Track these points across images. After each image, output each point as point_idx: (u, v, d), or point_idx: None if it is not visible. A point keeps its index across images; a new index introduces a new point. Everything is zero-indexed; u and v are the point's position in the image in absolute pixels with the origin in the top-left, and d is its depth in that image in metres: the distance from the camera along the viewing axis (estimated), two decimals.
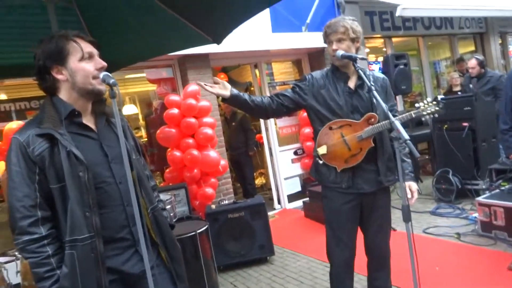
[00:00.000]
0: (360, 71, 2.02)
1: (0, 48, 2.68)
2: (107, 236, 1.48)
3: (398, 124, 1.82)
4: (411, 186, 2.22)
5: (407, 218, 1.88)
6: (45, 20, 2.21)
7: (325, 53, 6.07)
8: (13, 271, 2.83)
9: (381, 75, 2.28)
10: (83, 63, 1.49)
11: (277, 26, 5.76)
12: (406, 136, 1.76)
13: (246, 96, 2.21)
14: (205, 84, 2.13)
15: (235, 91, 2.18)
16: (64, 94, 1.51)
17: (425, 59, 8.45)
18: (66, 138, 1.43)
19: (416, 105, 2.18)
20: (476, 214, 3.92)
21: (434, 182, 5.14)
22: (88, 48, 1.50)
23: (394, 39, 7.82)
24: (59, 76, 1.49)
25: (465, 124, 4.89)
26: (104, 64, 1.52)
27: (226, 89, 2.15)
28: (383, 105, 1.92)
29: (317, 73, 2.31)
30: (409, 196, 2.17)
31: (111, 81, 1.38)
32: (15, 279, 2.82)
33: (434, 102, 2.09)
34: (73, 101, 1.51)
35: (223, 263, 3.90)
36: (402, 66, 5.52)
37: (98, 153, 1.53)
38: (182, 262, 1.74)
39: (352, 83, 2.23)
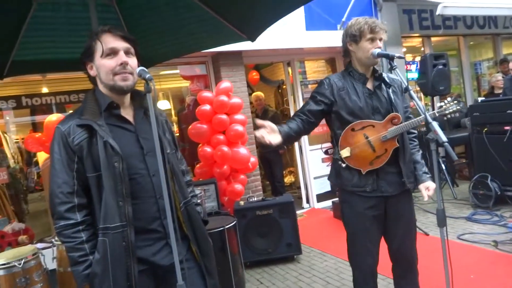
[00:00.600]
0: (397, 70, 1.95)
1: (46, 43, 2.80)
2: (139, 226, 1.53)
3: (436, 125, 1.75)
4: (429, 186, 2.20)
5: (442, 223, 1.81)
6: (87, 17, 2.29)
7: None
8: (49, 257, 2.95)
9: (397, 77, 2.21)
10: (105, 59, 1.53)
11: (311, 24, 5.71)
12: (444, 138, 1.70)
13: (287, 129, 2.14)
14: (261, 136, 2.03)
15: (282, 129, 2.10)
16: (100, 86, 1.60)
17: (465, 59, 8.12)
18: (104, 129, 1.50)
19: (438, 104, 2.21)
20: None
21: (471, 187, 4.94)
22: (111, 43, 1.53)
23: (433, 39, 7.56)
24: (91, 72, 1.59)
25: (507, 127, 4.66)
26: (125, 59, 1.53)
27: (275, 132, 2.05)
28: (421, 106, 1.85)
29: (333, 76, 2.25)
30: (429, 193, 2.18)
31: (147, 76, 1.40)
32: (51, 264, 2.94)
33: (455, 102, 2.10)
34: (108, 94, 1.58)
35: (250, 260, 3.92)
36: (440, 66, 5.34)
37: (134, 145, 1.57)
38: (213, 257, 1.76)
39: (370, 85, 2.19)
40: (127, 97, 1.64)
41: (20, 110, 4.98)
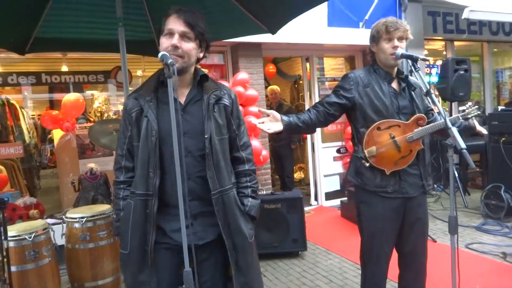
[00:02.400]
0: (420, 72, 1.92)
1: (69, 22, 2.82)
2: (166, 200, 1.63)
3: (455, 131, 1.72)
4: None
5: (453, 230, 1.79)
6: None
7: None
8: (58, 233, 3.01)
9: (416, 81, 2.18)
10: (163, 38, 1.61)
11: (333, 20, 5.63)
12: (462, 144, 1.67)
13: (295, 118, 2.12)
14: (259, 123, 2.07)
15: (285, 118, 2.09)
16: None
17: (487, 66, 7.95)
18: (150, 105, 1.62)
19: (460, 108, 2.18)
20: None
21: (483, 196, 4.87)
22: (171, 25, 1.59)
23: (456, 43, 7.41)
24: (159, 48, 1.63)
25: None
26: (175, 42, 1.57)
27: (277, 120, 2.06)
28: (442, 110, 1.82)
29: (359, 71, 2.22)
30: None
31: (169, 61, 1.41)
32: (60, 240, 3.00)
33: (476, 106, 2.11)
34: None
35: None
36: (462, 72, 5.24)
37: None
38: (249, 253, 1.72)
39: (395, 85, 2.17)
40: (186, 77, 1.67)
41: (39, 86, 5.05)
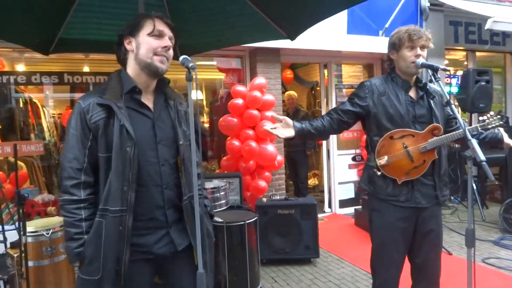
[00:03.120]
0: (440, 82, 1.90)
1: (92, 24, 2.89)
2: (140, 213, 1.52)
3: (475, 143, 1.69)
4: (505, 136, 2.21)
5: (470, 243, 1.75)
6: (134, 2, 2.34)
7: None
8: None
9: (438, 88, 2.14)
10: (151, 38, 1.56)
11: (353, 27, 5.61)
12: (482, 156, 1.64)
13: (307, 125, 2.14)
14: (271, 128, 2.11)
15: (298, 124, 2.12)
16: (129, 66, 1.60)
17: (510, 78, 7.78)
18: (123, 112, 1.50)
19: (481, 118, 2.13)
20: None
21: (502, 210, 4.75)
22: (161, 27, 1.57)
23: (478, 53, 7.28)
24: (128, 46, 1.59)
25: None
26: (169, 44, 1.57)
27: (290, 126, 2.10)
28: (461, 121, 1.80)
29: (375, 80, 2.21)
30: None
31: (190, 64, 1.42)
32: None
33: (498, 116, 2.06)
34: (136, 75, 1.59)
35: (267, 257, 3.92)
36: (483, 83, 5.15)
37: (148, 132, 1.57)
38: (212, 254, 1.75)
39: (413, 93, 2.15)
40: (153, 83, 1.64)
41: (61, 86, 5.15)
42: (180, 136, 1.62)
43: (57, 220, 2.90)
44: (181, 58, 1.50)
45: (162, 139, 1.58)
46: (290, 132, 2.09)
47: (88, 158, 1.50)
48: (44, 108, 5.49)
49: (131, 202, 1.47)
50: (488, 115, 2.07)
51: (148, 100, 1.62)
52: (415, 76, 2.16)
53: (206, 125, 6.59)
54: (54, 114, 6.42)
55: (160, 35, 1.56)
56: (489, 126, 2.07)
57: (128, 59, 1.60)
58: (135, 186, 1.49)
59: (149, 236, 1.55)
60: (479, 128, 2.07)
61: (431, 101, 2.13)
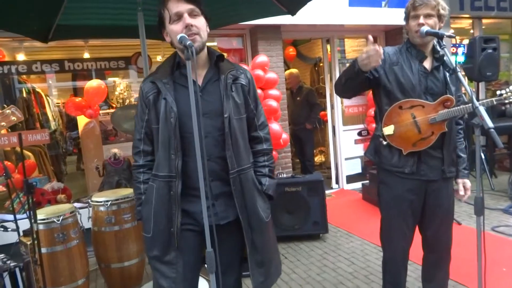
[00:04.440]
0: (445, 50, 1.85)
1: (90, 9, 2.85)
2: (188, 182, 1.62)
3: (482, 110, 1.66)
4: (466, 183, 2.17)
5: (479, 211, 1.74)
6: None
7: (403, 31, 5.70)
8: (85, 217, 3.10)
9: (452, 60, 2.08)
10: (172, 25, 1.58)
11: (355, 0, 5.49)
12: (490, 123, 1.61)
13: None
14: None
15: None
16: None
17: None
18: (168, 87, 1.61)
19: (498, 92, 2.04)
20: None
21: (511, 179, 4.72)
22: (175, 8, 1.56)
23: (484, 21, 7.10)
24: (167, 38, 1.66)
25: None
26: (188, 22, 1.55)
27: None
28: (469, 89, 1.76)
29: (389, 49, 2.14)
30: (461, 193, 2.17)
31: (188, 42, 1.40)
32: (87, 224, 3.09)
33: None
34: (182, 56, 1.63)
35: (276, 234, 3.89)
36: (490, 51, 5.03)
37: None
38: (264, 233, 1.73)
39: (427, 64, 2.08)
40: (201, 57, 1.65)
41: (62, 74, 5.15)
42: (227, 109, 1.62)
43: (67, 207, 2.93)
44: (178, 36, 1.48)
45: (206, 112, 1.61)
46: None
47: (145, 130, 1.69)
48: (48, 97, 5.50)
49: (178, 169, 1.59)
50: (508, 89, 1.97)
51: (198, 75, 1.65)
52: (431, 47, 2.08)
53: None
54: (59, 103, 6.44)
55: (178, 17, 1.56)
56: (506, 101, 1.96)
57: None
58: (181, 155, 1.59)
59: (198, 204, 1.58)
60: (494, 102, 1.97)
61: (447, 74, 2.06)
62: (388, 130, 2.07)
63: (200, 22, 1.59)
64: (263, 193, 1.76)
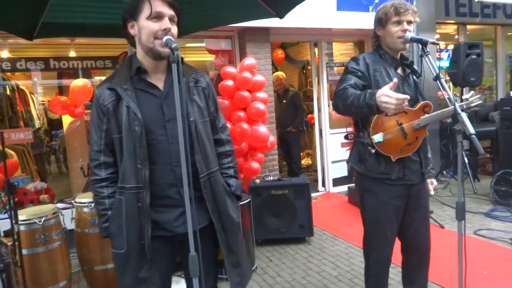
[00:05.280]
0: (429, 56, 1.87)
1: (77, 7, 2.81)
2: (156, 191, 1.57)
3: (464, 116, 1.69)
4: (433, 182, 2.29)
5: (461, 216, 1.77)
6: None
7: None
8: (68, 218, 3.06)
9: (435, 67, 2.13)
10: (150, 21, 1.53)
11: (342, 4, 5.53)
12: (471, 130, 1.64)
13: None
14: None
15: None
16: (137, 49, 1.63)
17: (501, 50, 7.77)
18: (129, 94, 1.55)
19: (464, 97, 2.15)
20: None
21: (493, 183, 4.82)
22: (159, 8, 1.53)
23: (469, 27, 7.24)
24: (131, 31, 1.60)
25: None
26: (169, 26, 1.54)
27: None
28: (451, 95, 1.79)
29: (367, 55, 2.14)
30: (432, 192, 2.27)
31: (173, 45, 1.40)
32: (70, 225, 3.05)
33: (478, 96, 2.07)
34: (142, 58, 1.61)
35: (262, 237, 3.96)
36: (474, 56, 5.13)
37: (157, 111, 1.58)
38: (236, 233, 1.74)
39: (400, 71, 2.14)
40: (163, 63, 1.63)
41: (48, 72, 5.06)
42: (192, 113, 1.60)
43: (50, 207, 2.89)
44: (164, 38, 1.47)
45: (171, 117, 1.56)
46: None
47: (104, 140, 1.59)
48: (32, 95, 5.40)
49: (146, 179, 1.53)
50: (471, 93, 2.09)
51: (158, 79, 1.63)
52: (400, 54, 2.14)
53: None
54: (44, 101, 6.33)
55: (159, 17, 1.53)
56: (472, 104, 2.07)
57: (135, 41, 1.62)
58: (148, 163, 1.54)
59: (167, 214, 1.59)
60: (464, 106, 2.06)
61: (416, 79, 2.15)
62: (378, 137, 2.05)
63: (175, 30, 1.59)
64: (232, 194, 1.77)
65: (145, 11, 1.53)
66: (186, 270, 1.68)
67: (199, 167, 1.61)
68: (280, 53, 7.56)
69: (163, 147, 1.57)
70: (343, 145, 6.15)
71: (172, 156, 1.56)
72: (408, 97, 1.75)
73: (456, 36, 7.32)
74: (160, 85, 1.62)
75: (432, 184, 2.28)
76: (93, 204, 2.94)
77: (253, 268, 3.45)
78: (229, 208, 1.71)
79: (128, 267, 1.57)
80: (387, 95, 1.69)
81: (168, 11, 1.55)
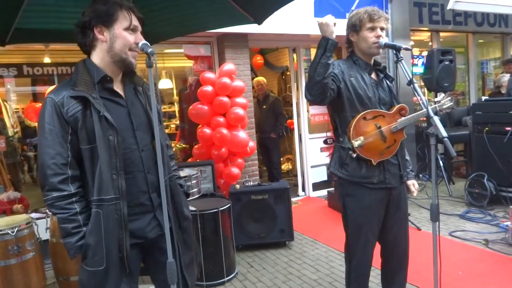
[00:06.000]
0: (403, 62, 1.92)
1: (50, 12, 2.76)
2: (129, 200, 1.55)
3: (437, 120, 1.74)
4: (414, 184, 2.33)
5: (435, 217, 1.82)
6: None
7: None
8: (43, 227, 2.97)
9: (390, 73, 2.24)
10: (127, 33, 1.55)
11: (320, 10, 5.61)
12: (444, 133, 1.69)
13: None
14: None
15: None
16: (97, 55, 1.57)
17: (472, 57, 8.04)
18: (99, 102, 1.49)
19: (435, 99, 2.24)
20: (508, 223, 3.75)
21: (467, 185, 4.95)
22: (135, 22, 1.57)
23: (442, 34, 7.46)
24: (100, 36, 1.55)
25: (508, 128, 4.64)
26: (143, 41, 1.57)
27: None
28: (424, 99, 1.84)
29: (340, 61, 2.19)
30: (414, 194, 2.34)
31: (149, 50, 1.41)
32: (45, 235, 2.96)
33: (449, 98, 2.17)
34: (105, 65, 1.57)
35: (242, 243, 3.94)
36: (447, 62, 5.29)
37: (125, 120, 1.58)
38: (190, 231, 1.79)
39: (374, 76, 2.19)
40: (121, 72, 1.65)
41: (21, 79, 4.94)
42: (154, 119, 1.60)
43: (23, 217, 2.80)
44: (140, 43, 1.48)
45: (139, 125, 1.60)
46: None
47: (71, 152, 1.48)
48: (5, 103, 5.25)
49: (122, 189, 1.50)
50: (441, 96, 2.19)
51: (118, 88, 1.62)
52: (373, 59, 2.19)
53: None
54: (18, 108, 6.17)
55: (134, 30, 1.57)
56: (444, 106, 2.17)
57: (97, 47, 1.57)
58: (123, 173, 1.52)
59: (139, 221, 1.59)
60: (437, 108, 2.16)
61: (389, 84, 2.22)
62: (358, 142, 2.08)
63: None
64: (184, 193, 1.84)
65: (123, 22, 1.54)
66: (154, 274, 1.73)
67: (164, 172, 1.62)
68: (259, 59, 7.61)
69: (135, 155, 1.58)
70: (322, 149, 6.21)
71: (144, 164, 1.58)
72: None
73: (430, 43, 7.54)
74: (121, 93, 1.62)
75: (414, 185, 2.32)
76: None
77: (234, 274, 3.43)
78: (184, 208, 1.75)
79: (107, 285, 1.50)
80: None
81: (140, 26, 1.60)
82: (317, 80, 1.95)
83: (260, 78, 6.38)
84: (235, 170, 4.64)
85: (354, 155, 2.10)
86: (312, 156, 6.11)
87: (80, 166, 1.51)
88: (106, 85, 1.56)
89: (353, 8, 6.01)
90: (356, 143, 2.08)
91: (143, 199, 1.60)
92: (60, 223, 1.49)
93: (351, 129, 2.10)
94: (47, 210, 3.10)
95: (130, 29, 1.55)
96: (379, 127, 2.10)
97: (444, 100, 2.17)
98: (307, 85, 2.04)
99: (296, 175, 6.35)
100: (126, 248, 1.51)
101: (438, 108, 2.16)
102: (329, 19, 1.95)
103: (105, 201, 1.48)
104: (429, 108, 1.84)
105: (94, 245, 1.47)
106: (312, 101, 2.11)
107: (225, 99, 4.50)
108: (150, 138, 1.63)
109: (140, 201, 1.58)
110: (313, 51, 6.48)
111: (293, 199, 5.11)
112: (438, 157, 5.68)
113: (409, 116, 2.11)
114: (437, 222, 1.83)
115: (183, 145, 5.85)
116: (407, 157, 2.32)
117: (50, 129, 1.46)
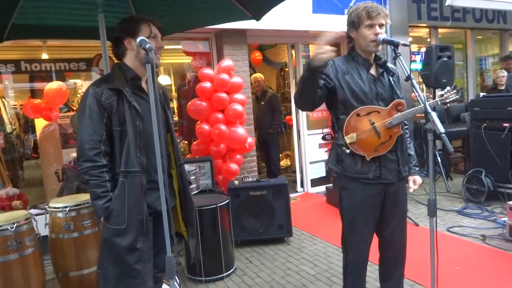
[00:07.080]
0: (401, 58, 1.92)
1: (48, 8, 2.76)
2: (147, 176, 1.91)
3: (434, 115, 1.75)
4: (416, 179, 2.30)
5: (432, 213, 1.83)
6: None
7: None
8: (42, 223, 2.98)
9: (395, 68, 2.23)
10: (150, 39, 1.84)
11: (318, 7, 5.61)
12: (441, 129, 1.69)
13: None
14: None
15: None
16: (128, 60, 1.95)
17: (471, 53, 8.05)
18: (130, 95, 1.87)
19: (439, 93, 2.22)
20: (505, 218, 3.77)
21: (465, 181, 4.97)
22: (155, 30, 1.93)
23: (440, 30, 7.46)
24: (129, 46, 1.93)
25: (506, 124, 4.65)
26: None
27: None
28: (422, 95, 1.84)
29: (337, 59, 2.19)
30: (411, 190, 2.28)
31: (147, 45, 1.47)
32: (44, 231, 2.97)
33: (455, 91, 2.15)
34: (136, 67, 1.94)
35: (241, 239, 3.96)
36: (445, 59, 5.30)
37: (149, 112, 1.79)
38: (194, 210, 2.19)
39: (373, 71, 2.18)
40: (146, 73, 1.87)
41: (19, 75, 4.93)
42: (170, 117, 2.08)
43: (22, 213, 2.81)
44: (138, 39, 1.54)
45: (158, 118, 1.83)
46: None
47: (105, 132, 1.85)
48: (3, 99, 5.24)
49: (143, 164, 1.88)
50: (446, 90, 2.15)
51: (144, 87, 1.98)
52: (374, 54, 2.18)
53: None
54: (16, 105, 6.15)
55: (155, 37, 1.93)
56: (447, 100, 2.15)
57: (127, 54, 1.95)
58: (145, 153, 1.88)
59: (151, 196, 1.93)
60: (439, 102, 2.14)
61: (391, 79, 2.18)
62: (350, 138, 2.11)
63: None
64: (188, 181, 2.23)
65: (144, 32, 1.88)
66: (155, 241, 2.04)
67: (177, 156, 2.08)
68: (257, 55, 7.60)
69: (154, 141, 1.81)
70: (320, 146, 6.22)
71: (161, 149, 1.83)
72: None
73: (428, 39, 7.53)
74: (147, 91, 1.95)
75: (415, 182, 2.27)
76: (67, 209, 2.88)
77: (232, 269, 3.44)
78: (189, 190, 2.18)
79: (125, 240, 1.85)
80: (318, 48, 1.93)
81: (159, 34, 1.97)
82: (301, 96, 2.07)
83: (258, 75, 6.38)
84: (233, 166, 4.65)
85: (348, 151, 2.13)
86: (310, 152, 6.13)
87: (110, 145, 1.87)
88: (136, 82, 1.93)
89: (351, 4, 6.04)
90: (348, 140, 2.11)
91: (156, 177, 1.83)
92: (92, 188, 1.84)
93: (345, 126, 2.13)
94: (46, 206, 3.11)
95: (151, 37, 1.89)
96: (373, 123, 2.10)
97: (448, 94, 2.15)
98: (295, 96, 2.18)
99: (294, 171, 6.36)
100: (144, 211, 1.87)
101: (440, 102, 2.14)
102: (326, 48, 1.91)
103: (130, 173, 1.84)
104: (427, 104, 1.84)
105: (118, 208, 1.83)
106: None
107: (224, 95, 4.50)
108: (165, 130, 2.04)
109: (154, 178, 1.90)
110: (311, 47, 6.51)
111: (291, 195, 5.12)
112: (436, 153, 5.70)
113: (405, 111, 2.09)
114: (435, 218, 1.84)
115: (182, 141, 5.86)
116: (411, 152, 2.30)
117: (89, 112, 1.83)
